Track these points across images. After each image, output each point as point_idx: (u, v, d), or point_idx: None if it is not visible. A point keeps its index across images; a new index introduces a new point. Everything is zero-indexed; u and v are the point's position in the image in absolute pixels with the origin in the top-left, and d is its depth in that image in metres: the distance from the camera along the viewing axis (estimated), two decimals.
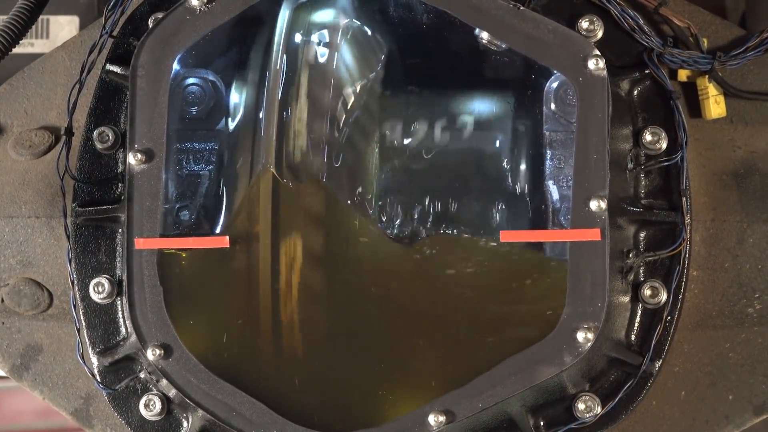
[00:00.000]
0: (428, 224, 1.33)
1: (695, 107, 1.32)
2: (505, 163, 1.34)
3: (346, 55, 1.29)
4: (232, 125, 1.32)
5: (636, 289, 1.25)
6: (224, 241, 1.22)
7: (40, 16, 1.38)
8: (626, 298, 1.25)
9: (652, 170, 1.27)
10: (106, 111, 1.28)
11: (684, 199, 1.24)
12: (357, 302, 1.28)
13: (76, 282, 1.26)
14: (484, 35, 1.23)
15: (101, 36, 1.26)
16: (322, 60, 1.28)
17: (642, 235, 1.26)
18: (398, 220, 1.32)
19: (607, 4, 1.25)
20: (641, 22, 1.26)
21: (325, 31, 1.28)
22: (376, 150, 1.33)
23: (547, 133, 1.30)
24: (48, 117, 1.38)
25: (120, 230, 1.26)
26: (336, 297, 1.27)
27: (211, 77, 1.33)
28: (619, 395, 1.22)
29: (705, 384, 1.33)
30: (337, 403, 1.25)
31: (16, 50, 1.34)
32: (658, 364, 1.24)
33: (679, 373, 1.32)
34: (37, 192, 1.35)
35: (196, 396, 1.21)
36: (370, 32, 1.32)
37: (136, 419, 1.26)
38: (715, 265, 1.31)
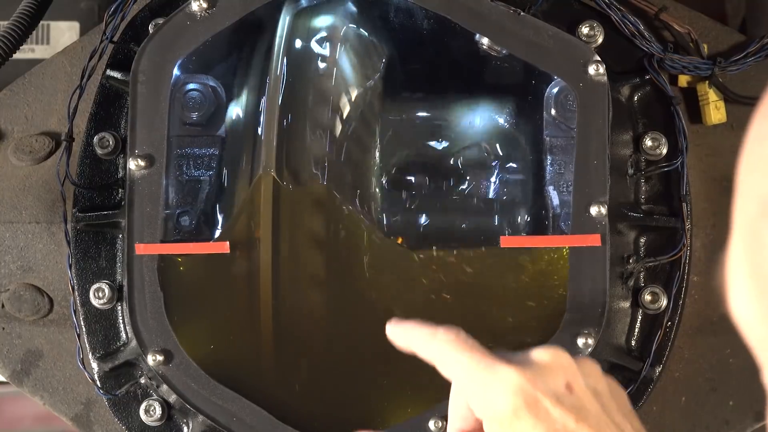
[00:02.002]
0: (429, 229, 1.33)
1: (695, 113, 1.32)
2: (505, 168, 1.34)
3: (347, 60, 1.30)
4: (232, 130, 1.32)
5: (636, 294, 1.25)
6: (225, 247, 1.22)
7: (41, 22, 1.38)
8: (626, 304, 1.25)
9: (653, 176, 1.27)
10: (107, 116, 1.28)
11: (684, 204, 1.24)
12: (358, 307, 1.28)
13: (76, 287, 1.26)
14: (485, 41, 1.23)
15: (102, 41, 1.26)
16: (322, 65, 1.28)
17: (642, 240, 1.26)
18: (400, 224, 1.32)
19: (608, 9, 1.26)
20: (641, 27, 1.26)
21: (326, 37, 1.28)
22: (377, 153, 1.33)
23: (548, 138, 1.30)
24: (48, 122, 1.38)
25: (120, 236, 1.26)
26: (337, 302, 1.27)
27: (211, 83, 1.33)
28: None
29: (705, 389, 1.33)
30: (338, 409, 1.25)
31: (17, 56, 1.34)
32: (658, 369, 1.24)
33: (680, 378, 1.32)
34: (38, 197, 1.35)
35: (196, 401, 1.21)
36: (370, 38, 1.32)
37: (137, 425, 1.26)
38: (715, 270, 1.31)
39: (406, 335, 1.00)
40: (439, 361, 0.97)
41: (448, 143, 1.36)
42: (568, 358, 0.95)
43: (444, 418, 1.18)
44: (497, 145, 1.35)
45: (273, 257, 1.23)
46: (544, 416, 0.91)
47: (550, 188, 1.29)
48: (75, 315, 1.26)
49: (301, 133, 1.26)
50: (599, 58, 1.20)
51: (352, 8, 1.30)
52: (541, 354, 0.95)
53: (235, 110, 1.32)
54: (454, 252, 1.28)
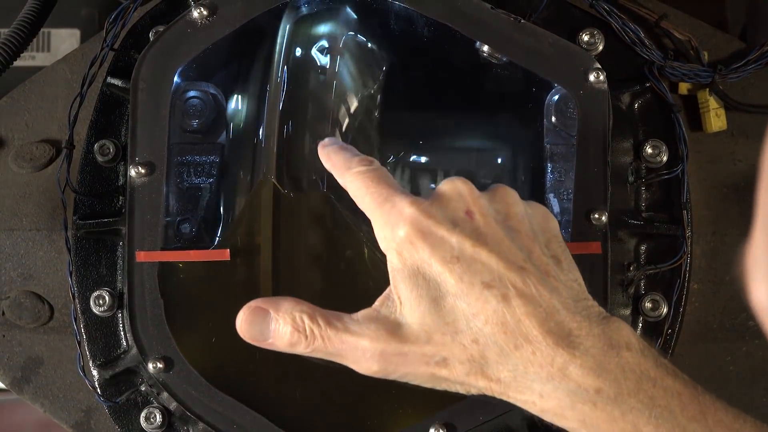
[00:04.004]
0: None
1: (696, 120, 1.32)
2: (506, 175, 1.34)
3: (347, 67, 1.30)
4: (233, 138, 1.32)
5: (637, 302, 1.25)
6: (225, 254, 1.22)
7: (41, 29, 1.38)
8: (627, 311, 1.25)
9: (653, 183, 1.27)
10: (107, 124, 1.28)
11: (685, 212, 1.24)
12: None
13: (76, 295, 1.26)
14: (485, 48, 1.23)
15: (102, 49, 1.26)
16: (322, 73, 1.28)
17: (643, 248, 1.26)
18: None
19: (608, 17, 1.26)
20: (642, 35, 1.26)
21: (326, 44, 1.28)
22: (377, 161, 1.33)
23: (548, 146, 1.30)
24: (49, 130, 1.38)
25: (121, 243, 1.26)
26: (338, 308, 1.27)
27: (212, 90, 1.33)
28: None
29: None
30: (339, 417, 1.25)
31: (17, 63, 1.34)
32: None
33: None
34: (38, 205, 1.35)
35: (196, 409, 1.21)
36: (370, 45, 1.32)
37: None
38: (715, 278, 1.31)
39: (328, 159, 1.05)
40: (351, 193, 1.00)
41: (448, 150, 1.36)
42: (468, 186, 0.97)
43: (445, 425, 1.18)
44: (498, 153, 1.35)
45: (273, 264, 1.23)
46: (440, 243, 0.93)
47: (551, 195, 1.29)
48: (75, 322, 1.26)
49: (301, 141, 1.26)
50: (600, 66, 1.20)
51: (353, 16, 1.30)
52: (442, 185, 0.98)
53: (236, 118, 1.32)
54: None
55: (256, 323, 1.00)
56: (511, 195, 0.99)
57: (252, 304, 1.01)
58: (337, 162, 1.03)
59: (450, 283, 0.93)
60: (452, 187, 0.97)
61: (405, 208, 0.94)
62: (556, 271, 0.96)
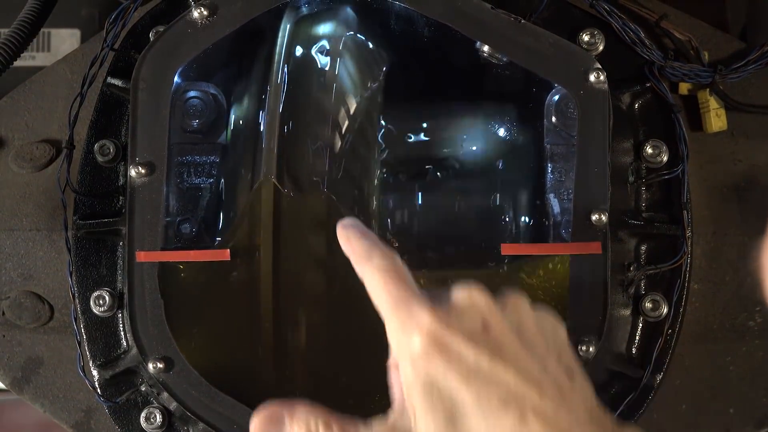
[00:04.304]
0: (430, 236, 1.33)
1: (696, 120, 1.32)
2: (506, 176, 1.34)
3: (347, 67, 1.30)
4: (233, 138, 1.32)
5: (637, 302, 1.25)
6: (225, 254, 1.22)
7: (42, 29, 1.38)
8: (627, 311, 1.25)
9: (653, 183, 1.27)
10: (107, 124, 1.28)
11: (685, 212, 1.24)
12: (360, 313, 1.28)
13: (76, 295, 1.26)
14: (485, 48, 1.23)
15: (102, 49, 1.26)
16: (323, 72, 1.28)
17: (643, 248, 1.26)
18: (400, 231, 1.32)
19: (608, 17, 1.26)
20: (642, 35, 1.26)
21: (326, 44, 1.28)
22: (378, 160, 1.33)
23: (548, 146, 1.30)
24: (49, 130, 1.38)
25: (121, 243, 1.26)
26: (338, 308, 1.27)
27: (212, 90, 1.33)
28: (620, 408, 1.22)
29: (706, 397, 1.33)
30: None
31: (18, 63, 1.34)
32: (659, 377, 1.24)
33: (680, 386, 1.32)
34: (38, 205, 1.35)
35: (196, 409, 1.21)
36: (371, 45, 1.32)
37: None
38: (716, 278, 1.31)
39: (348, 243, 1.00)
40: (368, 287, 0.97)
41: (448, 150, 1.36)
42: (485, 296, 0.94)
43: None
44: (498, 153, 1.35)
45: (273, 264, 1.22)
46: (456, 357, 0.90)
47: (551, 196, 1.29)
48: (75, 322, 1.26)
49: (301, 141, 1.25)
50: (600, 66, 1.20)
51: (353, 16, 1.30)
52: (458, 293, 0.94)
53: (236, 118, 1.32)
54: (455, 260, 1.28)
55: (269, 431, 0.99)
56: (524, 305, 0.98)
57: (266, 410, 0.99)
58: (357, 249, 0.99)
59: (466, 399, 0.90)
60: (468, 297, 0.94)
61: (423, 317, 0.91)
62: (570, 384, 0.95)
